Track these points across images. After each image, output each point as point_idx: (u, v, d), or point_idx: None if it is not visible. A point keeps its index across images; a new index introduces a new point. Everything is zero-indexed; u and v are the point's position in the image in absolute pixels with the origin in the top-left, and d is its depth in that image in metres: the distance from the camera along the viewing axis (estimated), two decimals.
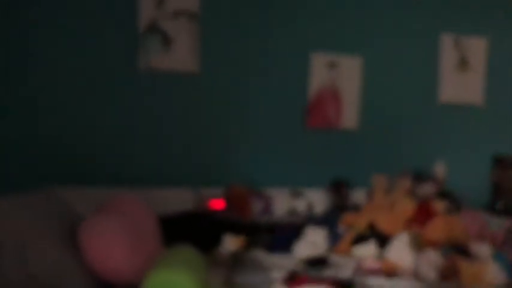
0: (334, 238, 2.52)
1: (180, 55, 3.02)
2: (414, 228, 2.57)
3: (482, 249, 2.16)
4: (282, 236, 2.53)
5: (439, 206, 2.59)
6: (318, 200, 2.95)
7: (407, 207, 2.66)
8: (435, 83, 3.38)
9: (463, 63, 3.44)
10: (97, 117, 2.83)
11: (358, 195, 3.03)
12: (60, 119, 2.76)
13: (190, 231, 2.29)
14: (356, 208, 2.83)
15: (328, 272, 2.20)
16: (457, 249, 2.23)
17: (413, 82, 3.33)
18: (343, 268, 2.25)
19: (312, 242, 2.39)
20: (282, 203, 2.85)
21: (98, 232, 1.82)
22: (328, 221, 2.62)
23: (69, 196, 2.55)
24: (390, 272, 2.13)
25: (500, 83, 3.50)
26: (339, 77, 3.24)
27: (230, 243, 2.19)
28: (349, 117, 3.25)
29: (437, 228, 2.50)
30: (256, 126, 3.05)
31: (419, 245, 2.44)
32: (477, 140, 3.46)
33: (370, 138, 3.24)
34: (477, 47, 3.46)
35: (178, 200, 2.76)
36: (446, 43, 3.40)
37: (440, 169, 3.21)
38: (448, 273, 2.08)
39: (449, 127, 3.40)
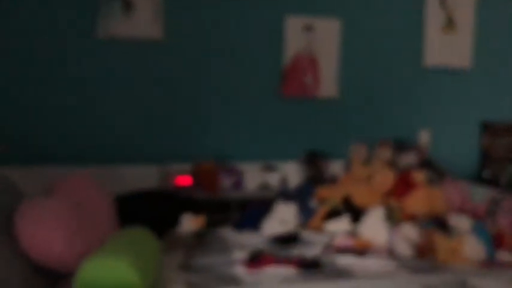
0: (307, 213, 2.36)
1: (142, 21, 2.78)
2: (393, 201, 2.41)
3: (461, 222, 2.00)
4: (252, 213, 2.37)
5: (419, 176, 2.42)
6: (292, 173, 2.77)
7: (386, 178, 2.49)
8: (420, 46, 3.15)
9: (449, 24, 3.21)
10: (54, 90, 2.63)
11: (336, 167, 2.85)
12: (13, 91, 2.56)
13: (150, 210, 2.13)
14: (333, 181, 2.67)
15: (297, 250, 2.05)
16: (436, 223, 2.07)
17: (396, 45, 3.11)
18: (314, 246, 2.09)
19: (282, 219, 2.23)
20: (254, 178, 2.68)
21: (34, 218, 1.65)
22: (302, 195, 2.46)
23: (22, 178, 2.38)
24: (363, 249, 1.98)
25: (490, 45, 3.27)
26: (316, 42, 3.01)
27: (189, 223, 2.03)
28: (328, 84, 3.04)
29: (417, 201, 2.34)
30: (226, 96, 2.85)
31: (397, 219, 2.29)
32: (465, 105, 3.26)
33: (350, 106, 3.04)
34: (464, 6, 3.22)
35: (143, 177, 2.59)
36: (432, 2, 3.16)
37: (424, 137, 3.02)
38: (424, 249, 1.93)
39: (435, 92, 3.20)
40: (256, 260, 1.88)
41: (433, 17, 3.17)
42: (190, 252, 1.99)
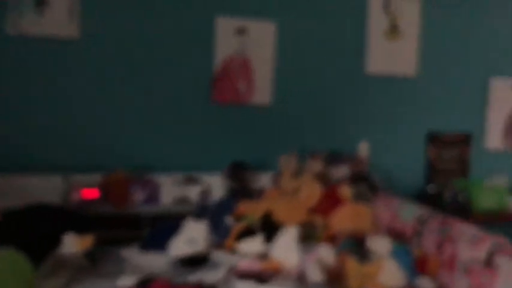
0: (223, 231, 2.13)
1: (57, 19, 2.55)
2: (318, 217, 2.20)
3: (380, 245, 1.79)
4: (161, 231, 2.13)
5: (346, 191, 2.22)
6: (218, 186, 2.54)
7: (312, 193, 2.28)
8: (362, 52, 2.98)
9: (393, 30, 3.05)
10: None
11: (266, 181, 2.63)
12: None
13: (33, 228, 1.87)
14: (259, 195, 2.45)
15: (200, 275, 1.82)
16: (355, 244, 1.86)
17: (336, 51, 2.93)
18: (220, 269, 1.86)
19: (190, 238, 1.99)
20: (172, 191, 2.44)
21: None
22: (219, 211, 2.23)
23: None
24: (269, 275, 1.75)
25: (436, 53, 3.11)
26: (249, 45, 2.81)
27: (72, 243, 1.78)
28: (262, 90, 2.84)
29: (342, 218, 2.13)
30: (148, 100, 2.61)
31: (319, 238, 2.07)
32: (410, 115, 3.08)
33: (285, 114, 2.84)
34: (409, 12, 3.07)
35: (45, 189, 2.32)
36: (375, 6, 3.00)
37: (363, 149, 2.84)
38: (337, 275, 1.71)
39: (379, 101, 3.02)
40: (144, 286, 1.65)
41: (377, 22, 3.01)
42: (73, 278, 1.74)
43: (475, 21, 3.21)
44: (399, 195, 2.75)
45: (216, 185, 2.54)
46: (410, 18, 3.07)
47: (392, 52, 3.04)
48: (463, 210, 2.83)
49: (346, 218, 2.10)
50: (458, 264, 1.72)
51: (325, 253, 1.79)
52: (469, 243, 1.70)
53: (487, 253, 1.62)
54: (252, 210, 2.21)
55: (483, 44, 3.25)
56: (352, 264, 1.67)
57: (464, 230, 1.78)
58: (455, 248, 1.75)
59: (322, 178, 2.47)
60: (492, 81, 3.28)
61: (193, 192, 2.45)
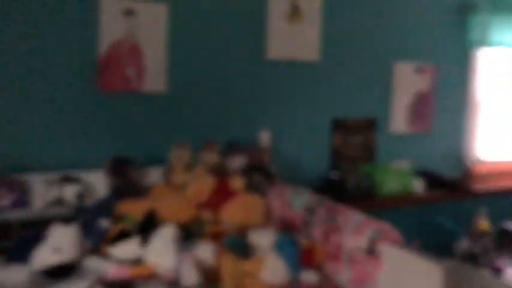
0: (98, 235, 1.90)
1: None
2: (207, 213, 2.04)
3: (263, 238, 1.66)
4: (26, 240, 1.86)
5: (237, 182, 2.07)
6: (100, 185, 2.29)
7: (202, 186, 2.11)
8: (262, 36, 2.83)
9: (295, 13, 2.94)
10: None
11: (157, 176, 2.42)
12: None
13: None
14: (148, 192, 2.24)
15: (64, 286, 1.59)
16: (240, 240, 1.72)
17: (234, 35, 2.76)
18: (88, 278, 1.64)
19: (56, 246, 1.74)
20: (45, 192, 2.16)
21: None
22: (97, 212, 1.99)
23: None
24: (138, 281, 1.56)
25: (338, 36, 3.05)
26: (139, 28, 2.57)
27: None
28: (154, 77, 2.61)
29: (233, 212, 1.98)
30: (19, 89, 2.29)
31: (205, 236, 1.90)
32: (314, 102, 3.00)
33: (180, 102, 2.63)
34: None
35: None
36: None
37: (264, 137, 2.71)
38: (215, 276, 1.56)
39: (280, 88, 2.89)
40: None
41: (276, 4, 2.88)
42: None
43: (378, 4, 3.18)
44: (303, 183, 2.67)
45: (100, 184, 2.28)
46: (312, 0, 2.97)
47: (293, 36, 2.92)
48: (367, 195, 2.80)
49: (236, 211, 1.95)
50: (344, 254, 1.63)
51: (204, 252, 1.63)
52: (353, 231, 1.61)
53: (369, 240, 1.54)
54: (134, 210, 2.00)
55: (387, 27, 3.23)
56: (228, 263, 1.52)
57: (351, 218, 1.69)
58: (340, 236, 1.66)
59: (218, 170, 2.30)
60: (396, 65, 3.28)
61: (69, 193, 2.18)
